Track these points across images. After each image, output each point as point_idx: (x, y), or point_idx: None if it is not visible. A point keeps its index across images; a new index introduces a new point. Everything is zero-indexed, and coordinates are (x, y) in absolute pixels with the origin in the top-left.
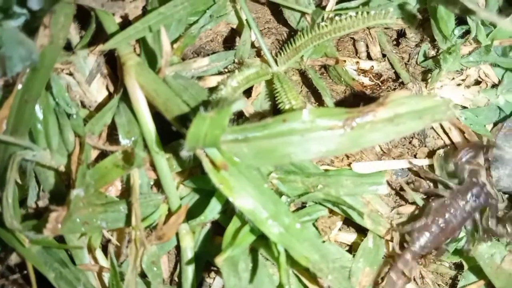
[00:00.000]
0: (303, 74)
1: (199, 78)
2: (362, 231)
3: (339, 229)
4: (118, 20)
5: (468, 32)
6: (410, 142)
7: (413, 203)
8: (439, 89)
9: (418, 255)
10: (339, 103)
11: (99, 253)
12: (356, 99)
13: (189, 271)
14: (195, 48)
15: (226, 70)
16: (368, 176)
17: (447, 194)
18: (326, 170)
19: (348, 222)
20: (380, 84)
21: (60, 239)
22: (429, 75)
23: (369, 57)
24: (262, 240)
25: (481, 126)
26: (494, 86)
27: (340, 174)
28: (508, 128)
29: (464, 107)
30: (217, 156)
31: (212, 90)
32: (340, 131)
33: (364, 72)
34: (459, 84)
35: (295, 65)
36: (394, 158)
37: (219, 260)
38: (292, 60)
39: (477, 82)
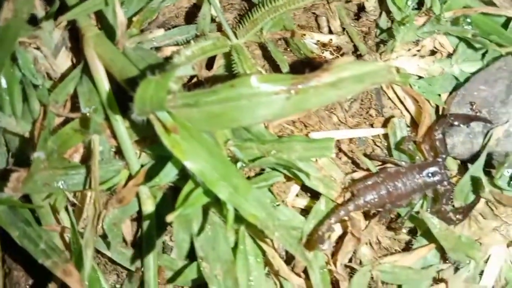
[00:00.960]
0: (265, 48)
1: (158, 49)
2: (318, 197)
3: (297, 195)
4: None
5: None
6: (367, 112)
7: (367, 169)
8: (395, 59)
9: (360, 208)
10: None
11: (63, 214)
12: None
13: (149, 234)
14: (159, 23)
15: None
16: (317, 142)
17: (404, 164)
18: (280, 137)
19: (307, 189)
20: (340, 56)
21: (28, 201)
22: (386, 46)
23: (330, 31)
24: (218, 203)
25: (434, 95)
26: (450, 56)
27: (292, 140)
28: (461, 96)
29: (421, 77)
30: (167, 120)
31: (169, 60)
32: (285, 96)
33: (324, 45)
34: (414, 55)
35: (255, 38)
36: (351, 128)
37: (169, 217)
38: (251, 33)
39: (433, 52)
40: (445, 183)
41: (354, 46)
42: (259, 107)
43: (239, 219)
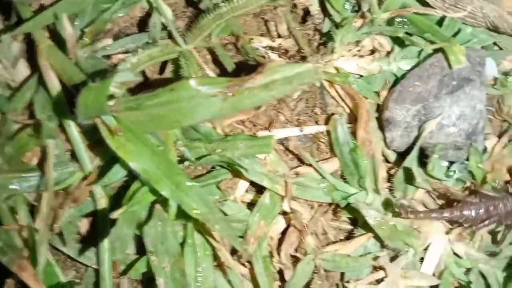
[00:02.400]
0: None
1: (109, 57)
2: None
3: (247, 191)
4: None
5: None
6: (312, 111)
7: (310, 164)
8: (336, 60)
9: (454, 219)
10: None
11: (22, 215)
12: None
13: (104, 230)
14: (115, 32)
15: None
16: (258, 140)
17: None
18: (226, 136)
19: (257, 185)
20: (288, 59)
21: None
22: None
23: (279, 35)
24: (164, 200)
25: (372, 92)
26: (388, 54)
27: (236, 138)
28: (398, 92)
29: (361, 76)
30: (112, 123)
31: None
32: (222, 98)
33: (272, 49)
34: (354, 55)
35: (205, 43)
36: (297, 125)
37: (114, 214)
38: (199, 39)
39: (372, 52)
40: None
41: (300, 48)
42: (198, 108)
43: (188, 214)
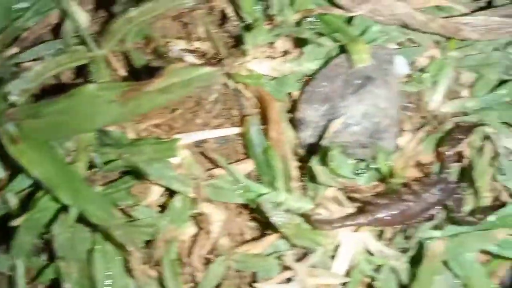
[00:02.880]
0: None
1: (19, 65)
2: None
3: (162, 195)
4: None
5: None
6: (229, 112)
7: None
8: (249, 62)
9: (369, 224)
10: None
11: None
12: None
13: (19, 237)
14: (32, 39)
15: None
16: (164, 144)
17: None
18: (135, 140)
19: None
20: (205, 61)
21: None
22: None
23: (198, 38)
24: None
25: (282, 93)
26: (300, 55)
27: (142, 143)
28: (308, 93)
29: (274, 77)
30: (13, 131)
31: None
32: (120, 103)
33: (191, 51)
34: (267, 56)
35: (119, 48)
36: (214, 128)
37: (15, 222)
38: (111, 43)
39: (285, 53)
40: (455, 195)
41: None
42: (97, 114)
43: None
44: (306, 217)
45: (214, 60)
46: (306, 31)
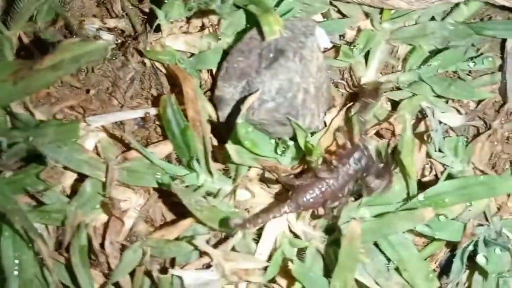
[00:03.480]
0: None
1: None
2: None
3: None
4: None
5: None
6: (148, 92)
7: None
8: (165, 38)
9: (295, 211)
10: None
11: None
12: None
13: None
14: None
15: None
16: (65, 126)
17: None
18: (40, 122)
19: None
20: (124, 39)
21: None
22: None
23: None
24: None
25: (195, 70)
26: (217, 29)
27: (47, 125)
28: (225, 69)
29: (193, 54)
30: None
31: None
32: (11, 82)
33: (110, 30)
34: (184, 32)
35: (30, 28)
36: (132, 108)
37: None
38: (20, 24)
39: (202, 29)
40: (370, 162)
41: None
42: None
43: None
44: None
45: (131, 37)
46: (221, 4)
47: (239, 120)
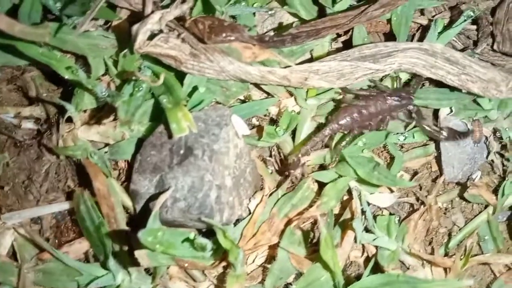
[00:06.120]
0: None
1: None
2: None
3: None
4: None
5: None
6: (65, 184)
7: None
8: (78, 129)
9: (335, 131)
10: None
11: None
12: None
13: None
14: None
15: None
16: None
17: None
18: None
19: None
20: (40, 128)
21: None
22: None
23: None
24: None
25: (110, 161)
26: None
27: None
28: (139, 162)
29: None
30: None
31: None
32: None
33: (25, 118)
34: (97, 123)
35: None
36: (48, 203)
37: None
38: None
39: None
40: (411, 106)
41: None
42: None
43: None
44: None
45: (46, 126)
46: (130, 97)
47: (140, 234)
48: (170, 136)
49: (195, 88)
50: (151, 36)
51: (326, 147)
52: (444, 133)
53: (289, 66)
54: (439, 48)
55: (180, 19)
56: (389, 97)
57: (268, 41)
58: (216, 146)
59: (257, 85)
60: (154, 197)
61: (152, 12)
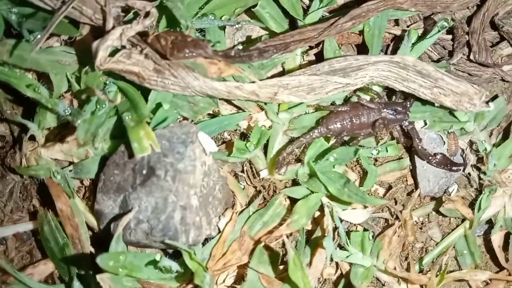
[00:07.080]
0: None
1: None
2: None
3: None
4: None
5: None
6: (30, 203)
7: None
8: (41, 147)
9: (323, 135)
10: None
11: None
12: None
13: None
14: None
15: None
16: None
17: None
18: None
19: None
20: (3, 146)
21: None
22: None
23: None
24: None
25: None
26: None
27: None
28: (103, 181)
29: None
30: None
31: None
32: None
33: None
34: (61, 141)
35: None
36: (13, 223)
37: None
38: None
39: None
40: (407, 122)
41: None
42: None
43: None
44: None
45: (9, 145)
46: (91, 116)
47: (98, 260)
48: (131, 155)
49: (159, 105)
50: (114, 52)
51: (298, 162)
52: (438, 158)
53: (257, 81)
54: (410, 61)
55: (143, 34)
56: (384, 110)
57: (234, 56)
58: (181, 165)
59: (227, 100)
60: (118, 217)
61: (113, 27)
